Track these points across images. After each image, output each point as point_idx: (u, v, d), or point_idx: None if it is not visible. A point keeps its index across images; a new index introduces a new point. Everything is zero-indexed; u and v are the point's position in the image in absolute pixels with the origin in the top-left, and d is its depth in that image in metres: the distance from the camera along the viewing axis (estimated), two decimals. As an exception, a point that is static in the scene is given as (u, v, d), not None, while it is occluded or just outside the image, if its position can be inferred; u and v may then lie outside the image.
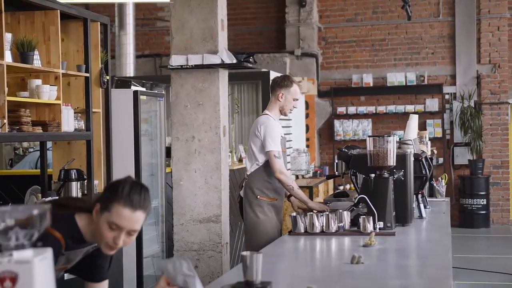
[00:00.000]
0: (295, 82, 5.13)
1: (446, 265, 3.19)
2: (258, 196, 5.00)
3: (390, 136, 4.32)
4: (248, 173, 5.10)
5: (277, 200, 5.07)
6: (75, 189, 5.32)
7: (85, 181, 5.45)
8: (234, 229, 7.25)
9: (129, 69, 10.64)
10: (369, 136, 4.37)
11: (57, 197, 5.01)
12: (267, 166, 4.97)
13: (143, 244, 6.18)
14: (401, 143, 5.03)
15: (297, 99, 5.14)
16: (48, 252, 1.77)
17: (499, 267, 8.60)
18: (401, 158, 4.43)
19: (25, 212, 1.74)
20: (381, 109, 12.48)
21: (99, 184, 5.68)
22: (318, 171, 10.54)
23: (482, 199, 11.92)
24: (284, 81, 5.11)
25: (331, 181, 10.66)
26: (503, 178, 12.31)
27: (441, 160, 12.26)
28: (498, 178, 12.30)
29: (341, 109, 12.64)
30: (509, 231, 11.93)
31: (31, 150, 8.09)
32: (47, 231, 2.43)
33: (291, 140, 10.15)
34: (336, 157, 5.06)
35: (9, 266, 1.68)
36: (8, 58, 4.56)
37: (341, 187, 10.35)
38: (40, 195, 5.29)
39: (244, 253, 2.68)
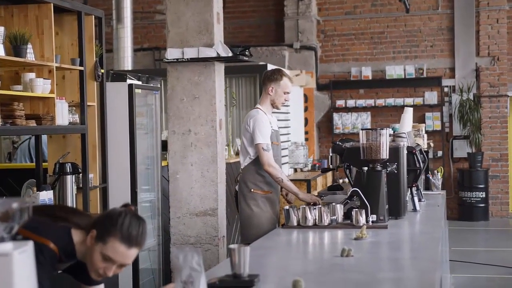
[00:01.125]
0: (285, 76, 5.13)
1: (434, 258, 3.19)
2: (252, 189, 5.01)
3: (383, 129, 4.31)
4: (241, 167, 5.12)
5: (271, 193, 5.07)
6: (70, 183, 5.31)
7: (80, 174, 5.45)
8: (231, 223, 7.26)
9: (127, 63, 10.62)
10: (362, 129, 4.36)
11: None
12: (259, 159, 4.98)
13: (139, 238, 6.17)
14: (395, 136, 5.03)
15: (288, 92, 5.13)
16: (29, 246, 1.77)
17: (497, 260, 8.61)
18: (394, 151, 4.43)
19: (4, 205, 1.75)
20: (380, 102, 12.47)
21: (94, 178, 5.69)
22: (317, 165, 10.54)
23: (481, 192, 11.91)
24: (274, 75, 5.11)
25: (329, 174, 10.65)
26: (502, 171, 12.31)
27: (440, 153, 12.25)
28: (497, 171, 12.29)
29: (340, 102, 12.63)
30: (508, 224, 11.93)
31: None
32: (43, 241, 2.44)
33: (290, 134, 10.15)
34: (330, 150, 5.05)
35: (-12, 259, 1.69)
36: (1, 51, 4.56)
37: (341, 180, 10.34)
38: (35, 188, 5.29)
39: (232, 246, 2.69)
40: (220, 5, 5.71)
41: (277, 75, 5.11)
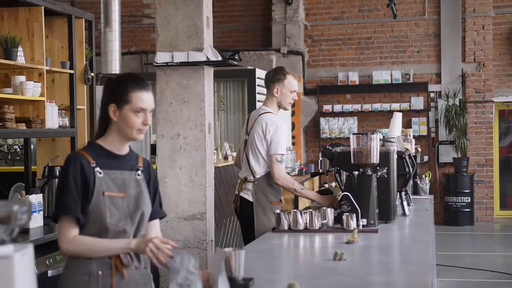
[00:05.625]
0: (288, 73, 4.91)
1: (426, 261, 3.21)
2: (273, 201, 4.85)
3: (373, 134, 4.34)
4: (257, 176, 4.85)
5: (281, 201, 5.02)
6: (59, 186, 5.29)
7: (70, 178, 5.43)
8: (220, 227, 7.26)
9: (115, 66, 10.58)
10: (353, 134, 4.38)
11: None
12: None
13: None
14: (385, 140, 5.06)
15: (294, 91, 4.92)
16: (29, 248, 1.77)
17: (483, 264, 8.67)
18: (385, 156, 4.45)
19: (5, 208, 1.75)
20: (367, 107, 12.53)
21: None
22: (304, 169, 10.56)
23: (467, 197, 12.00)
24: (277, 75, 4.89)
25: (316, 179, 10.68)
26: (487, 176, 12.40)
27: (426, 158, 12.33)
28: (482, 176, 12.38)
29: (327, 107, 12.68)
30: (493, 228, 12.02)
31: (16, 147, 8.03)
32: (74, 152, 2.88)
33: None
34: (320, 154, 5.04)
35: (-11, 262, 1.69)
36: (-9, 54, 4.55)
37: (326, 185, 10.37)
38: (24, 192, 5.27)
39: (227, 249, 2.70)
40: (209, 9, 5.72)
41: (279, 74, 4.89)
